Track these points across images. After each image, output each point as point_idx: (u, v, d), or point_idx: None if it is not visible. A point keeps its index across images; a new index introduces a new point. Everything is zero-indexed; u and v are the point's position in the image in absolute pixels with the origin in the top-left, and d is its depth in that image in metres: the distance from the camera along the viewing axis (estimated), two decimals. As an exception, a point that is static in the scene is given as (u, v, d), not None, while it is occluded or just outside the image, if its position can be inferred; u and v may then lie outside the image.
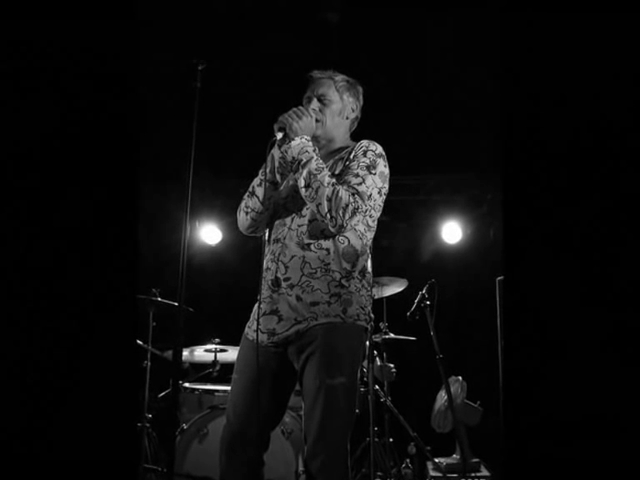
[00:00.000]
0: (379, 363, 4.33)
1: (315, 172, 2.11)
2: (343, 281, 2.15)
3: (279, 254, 2.19)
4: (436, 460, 4.39)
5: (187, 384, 4.06)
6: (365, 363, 3.88)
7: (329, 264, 2.15)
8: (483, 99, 4.43)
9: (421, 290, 4.13)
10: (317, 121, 2.26)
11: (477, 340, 5.34)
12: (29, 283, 1.56)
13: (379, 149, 2.24)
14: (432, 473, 4.36)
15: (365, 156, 2.19)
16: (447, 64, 4.36)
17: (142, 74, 1.74)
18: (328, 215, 2.08)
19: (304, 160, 2.13)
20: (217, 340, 4.21)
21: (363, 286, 2.20)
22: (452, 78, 4.51)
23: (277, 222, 2.27)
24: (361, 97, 2.40)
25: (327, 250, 2.16)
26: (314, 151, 2.15)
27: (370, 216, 2.19)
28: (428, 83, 4.60)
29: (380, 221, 2.30)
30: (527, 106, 1.71)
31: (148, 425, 3.91)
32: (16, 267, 1.55)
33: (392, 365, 4.40)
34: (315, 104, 2.30)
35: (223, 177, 5.85)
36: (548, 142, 1.68)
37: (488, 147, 4.62)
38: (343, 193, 2.08)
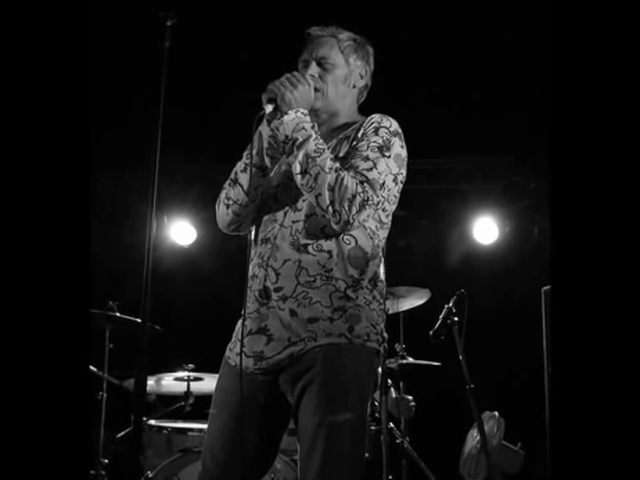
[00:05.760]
0: (394, 395, 4.32)
1: (314, 155, 2.10)
2: (349, 292, 2.15)
3: (268, 258, 2.19)
4: (466, 517, 4.39)
5: (153, 421, 4.05)
6: (377, 395, 3.87)
7: (331, 270, 2.15)
8: (525, 63, 4.42)
9: (447, 303, 4.13)
10: (316, 90, 2.26)
11: (518, 366, 5.34)
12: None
13: (394, 126, 2.24)
14: (461, 533, 4.36)
15: (377, 134, 2.19)
16: (480, 18, 4.36)
17: (95, 32, 1.74)
18: (330, 209, 2.08)
19: (300, 139, 2.12)
20: (190, 366, 4.20)
21: (374, 298, 2.20)
22: (485, 37, 4.50)
23: (266, 217, 2.27)
24: (372, 60, 2.40)
25: (329, 253, 2.16)
26: (312, 128, 2.15)
27: (383, 210, 2.19)
28: (456, 44, 4.59)
29: (395, 216, 2.30)
30: (580, 75, 1.70)
31: (104, 473, 3.91)
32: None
33: (411, 397, 4.39)
34: (314, 69, 2.29)
35: (198, 161, 5.85)
36: (605, 119, 1.67)
37: (531, 124, 4.61)
38: (349, 181, 2.08)
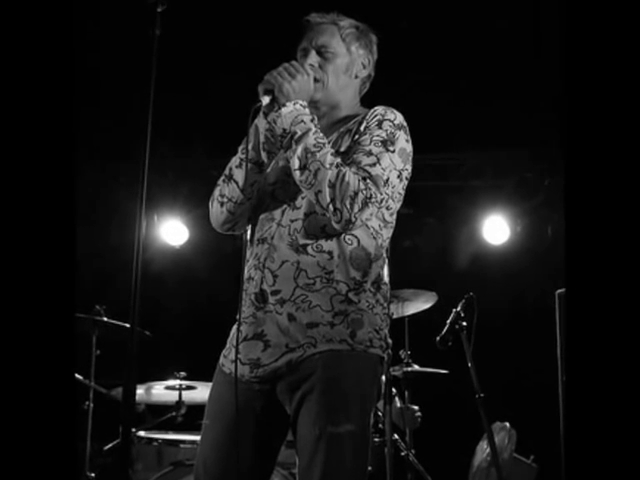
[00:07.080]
0: (399, 405, 4.32)
1: (313, 149, 2.10)
2: (351, 295, 2.15)
3: (265, 259, 2.19)
4: (475, 534, 4.39)
5: (142, 432, 4.05)
6: (380, 404, 3.87)
7: (332, 272, 2.15)
8: (538, 54, 4.42)
9: (455, 307, 4.13)
10: (316, 81, 2.26)
11: (530, 374, 5.34)
12: None
13: (399, 118, 2.24)
14: None
15: (380, 128, 2.19)
16: (492, 9, 4.36)
17: (79, 19, 1.74)
18: (331, 206, 2.08)
19: (299, 133, 2.12)
20: (182, 374, 4.21)
21: (377, 301, 2.20)
22: (495, 24, 4.50)
23: (262, 216, 2.27)
24: (375, 49, 2.40)
25: (329, 253, 2.15)
26: (312, 121, 2.15)
27: (387, 208, 2.19)
28: (463, 30, 4.59)
29: (400, 215, 2.30)
30: (597, 66, 1.70)
31: (90, 487, 3.91)
32: None
33: (416, 407, 4.39)
34: (313, 58, 2.29)
35: (190, 155, 5.85)
36: (624, 111, 1.67)
37: (545, 116, 4.62)
38: (351, 177, 2.08)
